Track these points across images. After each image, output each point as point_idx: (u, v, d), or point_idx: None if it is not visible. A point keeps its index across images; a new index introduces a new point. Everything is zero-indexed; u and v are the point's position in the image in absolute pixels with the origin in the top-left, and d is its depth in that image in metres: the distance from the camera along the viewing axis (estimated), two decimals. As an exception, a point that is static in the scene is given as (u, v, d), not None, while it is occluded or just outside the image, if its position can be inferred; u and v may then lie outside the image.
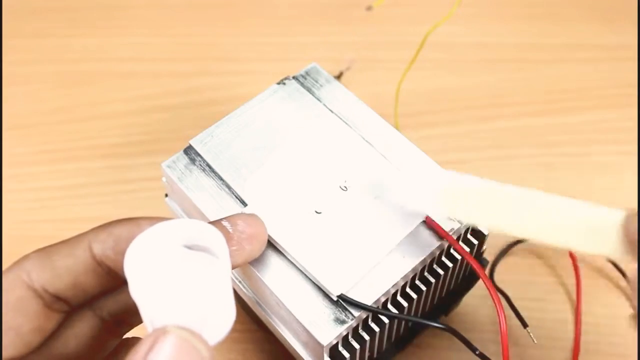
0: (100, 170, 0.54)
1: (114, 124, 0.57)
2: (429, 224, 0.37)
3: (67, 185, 0.54)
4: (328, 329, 0.34)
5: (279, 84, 0.43)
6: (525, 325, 0.44)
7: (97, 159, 0.55)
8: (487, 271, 0.45)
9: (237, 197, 0.38)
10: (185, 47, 0.62)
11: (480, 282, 0.44)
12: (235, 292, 0.41)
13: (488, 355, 0.37)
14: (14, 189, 0.53)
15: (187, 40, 0.62)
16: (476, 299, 0.47)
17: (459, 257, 0.39)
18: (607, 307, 0.48)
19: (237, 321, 0.46)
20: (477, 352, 0.37)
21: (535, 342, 0.44)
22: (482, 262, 0.43)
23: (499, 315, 0.35)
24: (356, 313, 0.34)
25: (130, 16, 0.64)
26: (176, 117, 0.57)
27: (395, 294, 0.37)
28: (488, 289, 0.35)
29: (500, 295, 0.46)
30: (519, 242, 0.50)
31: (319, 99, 0.42)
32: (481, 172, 0.53)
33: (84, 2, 0.65)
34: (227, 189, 0.39)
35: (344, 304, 0.35)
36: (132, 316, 0.33)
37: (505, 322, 0.34)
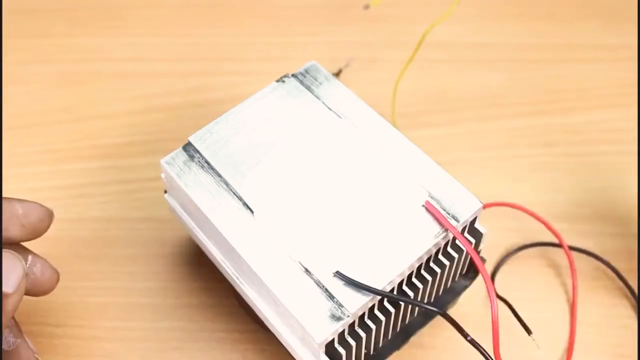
0: (100, 170, 0.54)
1: (114, 124, 0.57)
2: (430, 210, 0.37)
3: (67, 185, 0.54)
4: (324, 326, 0.34)
5: (278, 81, 0.43)
6: (529, 332, 0.44)
7: (97, 159, 0.55)
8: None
9: (235, 194, 0.38)
10: (185, 47, 0.62)
11: (479, 283, 0.44)
12: (234, 290, 0.41)
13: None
14: (14, 189, 0.53)
15: (187, 40, 0.63)
16: (476, 299, 0.48)
17: (455, 255, 0.39)
18: (604, 308, 0.48)
19: (237, 321, 0.46)
20: (468, 338, 0.37)
21: (540, 348, 0.44)
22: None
23: (490, 299, 0.35)
24: (352, 310, 0.34)
25: (131, 16, 0.64)
26: (176, 117, 0.57)
27: (392, 291, 0.37)
28: (482, 275, 0.35)
29: (501, 302, 0.46)
30: (521, 248, 0.50)
31: (317, 97, 0.42)
32: (481, 172, 0.54)
33: (84, 2, 0.65)
34: (225, 186, 0.39)
35: (340, 302, 0.35)
36: None
37: (496, 306, 0.35)
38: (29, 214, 0.38)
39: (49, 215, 0.39)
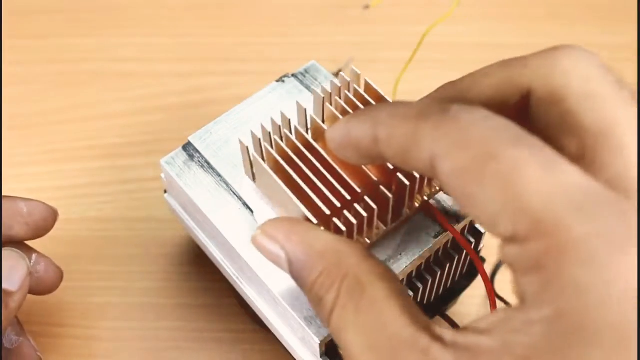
0: (100, 170, 0.54)
1: (114, 124, 0.57)
2: (430, 210, 0.37)
3: (66, 186, 0.54)
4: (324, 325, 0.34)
5: (278, 81, 0.43)
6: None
7: (96, 159, 0.55)
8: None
9: (235, 194, 0.38)
10: (184, 47, 0.62)
11: (478, 283, 0.44)
12: (234, 290, 0.41)
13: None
14: (14, 189, 0.53)
15: (186, 41, 0.63)
16: (476, 299, 0.48)
17: (455, 255, 0.39)
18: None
19: (237, 321, 0.46)
20: None
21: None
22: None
23: (490, 300, 0.35)
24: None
25: (130, 16, 0.64)
26: (176, 118, 0.57)
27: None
28: (481, 275, 0.35)
29: (500, 302, 0.46)
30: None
31: None
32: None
33: (84, 2, 0.65)
34: (225, 186, 0.39)
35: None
36: None
37: (496, 307, 0.35)
38: (33, 213, 0.38)
39: (53, 214, 0.39)
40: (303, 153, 0.35)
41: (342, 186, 0.33)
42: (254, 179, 0.38)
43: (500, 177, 0.22)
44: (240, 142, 0.36)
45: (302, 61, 0.45)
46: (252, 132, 0.35)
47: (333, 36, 0.63)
